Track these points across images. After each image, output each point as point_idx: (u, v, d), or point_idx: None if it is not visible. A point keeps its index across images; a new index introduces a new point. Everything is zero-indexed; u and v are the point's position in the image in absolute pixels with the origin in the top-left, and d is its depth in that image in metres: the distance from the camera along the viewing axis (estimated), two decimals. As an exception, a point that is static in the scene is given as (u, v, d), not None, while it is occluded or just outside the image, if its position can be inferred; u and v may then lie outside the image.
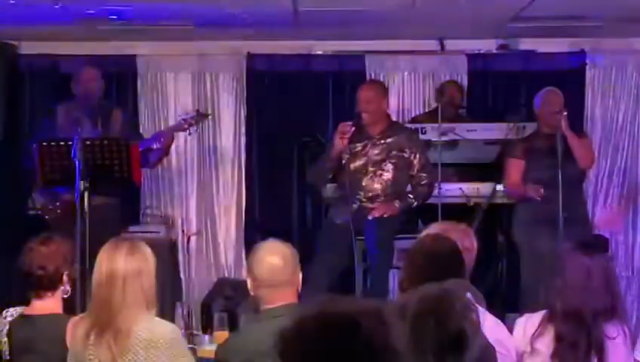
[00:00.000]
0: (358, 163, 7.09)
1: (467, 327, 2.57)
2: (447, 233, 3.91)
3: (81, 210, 6.20)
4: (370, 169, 7.08)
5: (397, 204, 7.06)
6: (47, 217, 6.98)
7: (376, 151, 7.09)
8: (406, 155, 7.11)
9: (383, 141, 7.10)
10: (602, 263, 4.01)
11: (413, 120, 8.32)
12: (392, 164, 7.09)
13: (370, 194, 7.09)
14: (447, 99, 8.05)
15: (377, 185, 7.09)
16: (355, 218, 7.03)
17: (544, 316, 4.01)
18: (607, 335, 3.90)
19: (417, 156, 7.14)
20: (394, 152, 7.09)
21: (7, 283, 4.38)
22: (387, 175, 7.10)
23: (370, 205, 7.06)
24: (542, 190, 6.95)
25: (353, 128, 6.98)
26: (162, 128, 8.15)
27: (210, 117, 8.09)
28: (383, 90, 7.34)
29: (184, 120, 7.52)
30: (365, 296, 6.87)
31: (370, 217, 6.99)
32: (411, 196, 7.15)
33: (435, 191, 7.31)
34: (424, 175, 7.16)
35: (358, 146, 7.08)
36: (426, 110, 8.49)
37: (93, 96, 7.31)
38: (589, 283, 3.92)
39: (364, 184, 7.08)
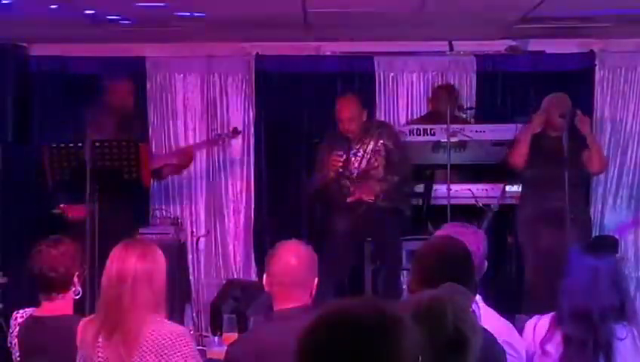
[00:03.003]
0: (346, 173, 7.15)
1: (464, 329, 2.57)
2: (456, 234, 3.90)
3: (91, 211, 6.22)
4: (356, 178, 7.14)
5: (377, 187, 7.09)
6: (70, 216, 6.98)
7: (356, 164, 7.15)
8: (379, 148, 7.16)
9: (361, 151, 7.16)
10: (610, 264, 4.00)
11: (411, 123, 8.31)
12: (376, 170, 7.16)
13: (364, 206, 7.13)
14: (444, 103, 8.07)
15: (368, 194, 7.15)
16: (358, 222, 7.06)
17: (553, 318, 4.00)
18: (616, 336, 3.89)
19: (388, 140, 7.23)
20: (373, 159, 7.16)
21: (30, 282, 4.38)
22: (373, 182, 7.16)
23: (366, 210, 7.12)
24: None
25: (344, 157, 7.06)
26: (173, 132, 8.23)
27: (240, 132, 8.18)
28: (361, 103, 7.38)
29: (219, 135, 7.63)
30: (377, 296, 6.88)
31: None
32: (392, 176, 7.18)
33: (444, 192, 7.34)
34: (397, 153, 7.20)
35: (342, 156, 7.14)
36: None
37: (126, 108, 7.39)
38: (596, 284, 3.91)
39: (352, 191, 7.15)
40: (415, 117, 8.54)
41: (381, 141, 7.22)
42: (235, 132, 7.96)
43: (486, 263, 4.03)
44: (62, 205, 6.94)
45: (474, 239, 3.96)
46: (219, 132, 7.80)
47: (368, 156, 7.17)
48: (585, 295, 3.91)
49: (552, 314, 4.03)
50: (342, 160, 7.11)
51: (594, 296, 3.89)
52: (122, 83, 7.50)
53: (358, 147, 7.19)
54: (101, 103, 7.36)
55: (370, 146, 7.19)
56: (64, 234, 5.46)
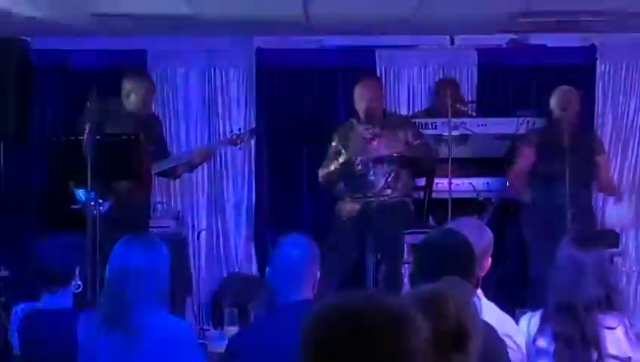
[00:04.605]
0: (362, 160, 7.14)
1: (465, 323, 2.57)
2: (458, 228, 3.90)
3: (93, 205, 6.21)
4: (371, 164, 7.13)
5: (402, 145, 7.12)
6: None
7: (374, 146, 7.14)
8: (400, 138, 7.16)
9: (380, 135, 7.14)
10: (597, 257, 3.99)
11: (413, 117, 8.31)
12: (392, 157, 7.14)
13: (376, 190, 7.12)
14: (446, 98, 8.07)
15: (382, 179, 7.13)
16: (363, 213, 7.06)
17: (542, 313, 4.01)
18: (606, 325, 3.89)
19: (409, 133, 7.20)
20: (390, 144, 7.15)
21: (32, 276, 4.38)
22: (388, 168, 7.13)
23: (377, 199, 7.11)
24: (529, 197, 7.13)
25: (373, 130, 7.06)
26: (176, 126, 8.23)
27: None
28: (382, 85, 7.42)
29: (237, 135, 7.65)
30: (378, 290, 6.88)
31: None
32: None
33: (446, 187, 7.33)
34: (418, 136, 7.26)
35: (370, 131, 7.15)
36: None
37: (147, 108, 7.42)
38: (581, 278, 3.90)
39: (369, 180, 7.13)
40: (417, 110, 8.54)
41: (401, 132, 7.21)
42: (253, 131, 8.00)
43: (490, 260, 4.03)
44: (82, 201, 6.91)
45: (476, 232, 3.96)
46: (238, 132, 7.83)
47: (385, 144, 7.16)
48: (569, 288, 3.91)
49: (542, 310, 4.03)
50: (371, 134, 7.10)
51: (578, 290, 3.89)
52: (142, 80, 7.51)
53: (378, 131, 7.17)
54: (119, 100, 7.35)
55: (387, 132, 7.18)
56: (83, 229, 5.50)
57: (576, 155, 6.83)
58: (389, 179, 7.15)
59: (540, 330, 3.96)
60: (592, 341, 3.86)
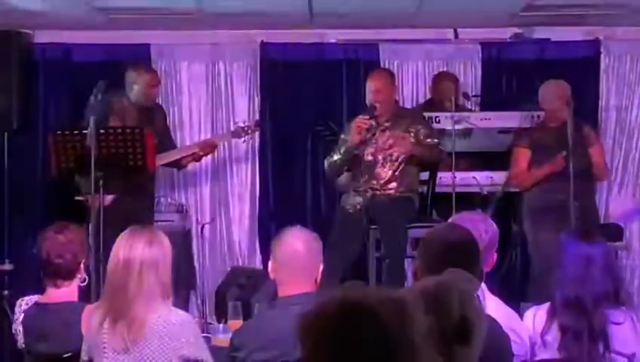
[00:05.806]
0: (370, 151, 7.12)
1: (469, 315, 2.57)
2: (462, 222, 3.90)
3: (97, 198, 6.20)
4: (380, 157, 7.12)
5: (413, 147, 7.07)
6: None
7: (384, 139, 7.13)
8: (412, 135, 7.14)
9: (390, 128, 7.13)
10: (602, 250, 3.99)
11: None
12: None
13: (382, 182, 7.12)
14: (443, 92, 8.08)
15: (389, 171, 7.12)
16: (368, 206, 7.05)
17: (549, 308, 4.00)
18: (613, 321, 3.89)
19: (421, 130, 7.16)
20: (397, 138, 7.13)
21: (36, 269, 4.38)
22: (397, 161, 7.12)
23: (382, 193, 7.09)
24: (561, 159, 6.90)
25: (371, 121, 7.05)
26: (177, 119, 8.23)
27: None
28: (392, 78, 7.40)
29: (242, 128, 7.67)
30: (381, 284, 6.88)
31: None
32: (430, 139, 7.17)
33: (449, 180, 7.33)
34: (432, 140, 7.17)
35: (369, 135, 7.12)
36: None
37: (151, 100, 7.42)
38: (588, 271, 3.90)
39: (376, 172, 7.11)
40: (418, 104, 8.53)
41: (412, 128, 7.18)
42: (257, 125, 8.03)
43: (495, 255, 4.03)
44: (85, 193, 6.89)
45: (481, 226, 3.96)
46: (242, 125, 7.86)
47: (395, 136, 7.14)
48: (577, 283, 3.91)
49: (548, 304, 4.03)
50: (368, 123, 7.07)
51: (586, 284, 3.89)
52: (146, 71, 7.51)
53: (388, 125, 7.16)
54: (123, 92, 7.35)
55: (397, 125, 7.16)
56: (87, 222, 5.49)
57: (575, 150, 6.82)
58: (397, 173, 7.14)
59: (547, 325, 3.96)
60: (600, 336, 3.86)
